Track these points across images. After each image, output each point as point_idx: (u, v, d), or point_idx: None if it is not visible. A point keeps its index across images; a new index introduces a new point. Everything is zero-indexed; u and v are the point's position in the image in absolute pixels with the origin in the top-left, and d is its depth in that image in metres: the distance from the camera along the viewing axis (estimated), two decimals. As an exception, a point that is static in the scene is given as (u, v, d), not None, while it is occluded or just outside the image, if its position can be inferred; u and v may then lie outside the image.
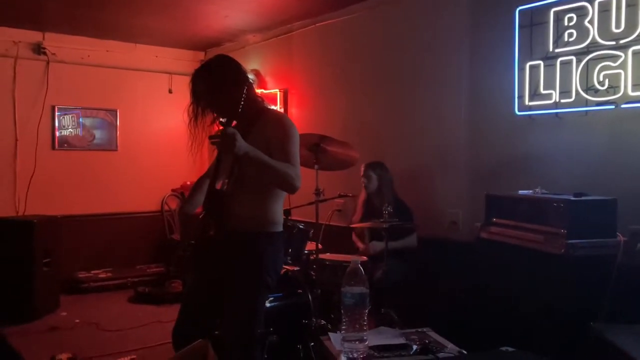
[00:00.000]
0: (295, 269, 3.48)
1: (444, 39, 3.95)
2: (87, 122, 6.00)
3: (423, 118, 4.10)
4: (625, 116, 2.89)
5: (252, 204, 2.35)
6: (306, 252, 3.61)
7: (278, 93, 5.43)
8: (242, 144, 2.12)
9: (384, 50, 4.42)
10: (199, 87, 2.35)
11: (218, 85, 2.31)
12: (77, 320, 4.48)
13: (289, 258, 3.45)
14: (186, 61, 6.45)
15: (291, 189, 2.26)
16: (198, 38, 6.01)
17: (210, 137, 2.24)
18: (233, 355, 2.27)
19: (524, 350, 1.83)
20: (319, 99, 5.11)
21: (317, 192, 3.58)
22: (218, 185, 2.31)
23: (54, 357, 3.49)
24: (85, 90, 5.96)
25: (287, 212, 3.87)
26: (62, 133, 5.85)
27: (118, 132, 6.18)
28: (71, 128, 5.90)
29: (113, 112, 6.14)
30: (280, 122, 2.37)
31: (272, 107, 2.60)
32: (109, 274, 5.73)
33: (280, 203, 2.44)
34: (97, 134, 6.09)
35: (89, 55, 5.92)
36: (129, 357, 3.47)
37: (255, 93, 2.48)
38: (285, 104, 5.41)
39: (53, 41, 5.65)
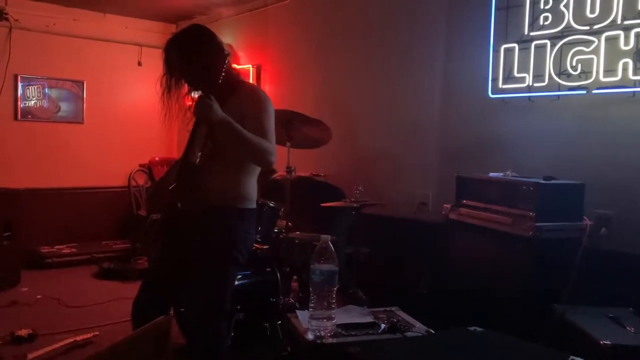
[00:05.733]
0: (265, 247, 3.45)
1: (419, 17, 3.91)
2: (53, 93, 5.80)
3: (396, 97, 4.08)
4: (596, 102, 2.91)
5: (224, 178, 2.28)
6: (276, 230, 3.58)
7: (251, 69, 5.33)
8: (219, 113, 2.08)
9: (359, 28, 4.36)
10: (173, 56, 2.25)
11: (193, 55, 2.22)
12: (39, 296, 4.36)
13: (258, 236, 3.42)
14: (157, 33, 6.26)
15: (266, 163, 2.21)
16: (169, 9, 5.84)
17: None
18: (199, 332, 2.24)
19: (490, 330, 1.84)
20: (293, 76, 5.04)
21: (289, 170, 3.53)
22: (191, 158, 2.26)
23: (13, 332, 3.40)
24: (50, 60, 5.74)
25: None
26: (27, 104, 5.65)
27: (85, 105, 5.99)
28: (36, 99, 5.70)
29: (80, 83, 5.94)
30: (256, 96, 2.30)
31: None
32: (73, 249, 5.59)
33: (253, 179, 2.38)
34: (63, 105, 5.89)
35: (54, 24, 5.69)
36: (91, 334, 3.39)
37: (231, 66, 2.40)
38: (258, 80, 5.32)
39: (16, 6, 5.39)
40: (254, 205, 2.37)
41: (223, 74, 2.20)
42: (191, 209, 2.23)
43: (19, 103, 5.59)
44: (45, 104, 5.77)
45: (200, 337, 2.23)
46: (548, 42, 3.04)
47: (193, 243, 2.26)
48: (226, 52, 2.29)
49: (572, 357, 1.51)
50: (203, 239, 2.25)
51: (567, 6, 2.96)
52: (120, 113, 6.16)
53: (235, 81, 2.35)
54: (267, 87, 5.28)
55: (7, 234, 4.58)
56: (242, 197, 2.31)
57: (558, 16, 3.00)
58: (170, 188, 2.22)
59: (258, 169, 2.38)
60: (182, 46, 2.24)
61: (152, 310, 2.21)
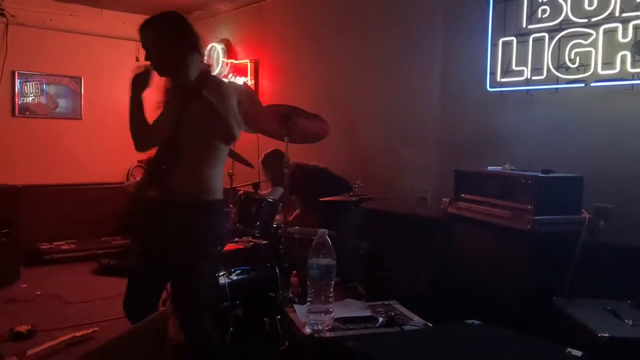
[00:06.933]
0: (264, 242, 3.45)
1: (418, 11, 3.90)
2: (51, 89, 5.80)
3: (395, 92, 4.07)
4: (595, 95, 2.90)
5: (189, 171, 2.32)
6: (275, 225, 3.58)
7: (249, 64, 5.32)
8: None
9: (357, 23, 4.35)
10: (145, 38, 2.33)
11: (162, 40, 2.28)
12: (38, 292, 4.37)
13: (257, 231, 3.42)
14: (154, 29, 6.24)
15: (230, 137, 2.27)
16: (167, 5, 5.74)
17: None
18: (184, 327, 2.27)
19: (488, 323, 1.84)
20: (291, 71, 5.03)
21: (287, 165, 3.52)
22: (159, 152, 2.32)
23: (13, 329, 3.40)
24: (47, 56, 5.74)
25: (255, 186, 3.83)
26: (24, 100, 5.64)
27: (82, 101, 5.99)
28: (33, 95, 5.69)
29: (77, 79, 5.94)
30: (222, 82, 2.36)
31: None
32: (73, 246, 5.60)
33: (218, 171, 2.40)
34: (61, 102, 5.90)
35: (51, 19, 5.69)
36: (90, 330, 3.39)
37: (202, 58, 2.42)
38: (256, 75, 5.31)
39: (13, 2, 5.38)
40: (220, 197, 2.39)
41: (205, 68, 2.27)
42: (159, 203, 2.27)
43: (16, 99, 5.58)
44: (43, 100, 5.76)
45: (187, 333, 2.26)
46: (546, 35, 3.03)
47: (166, 238, 2.30)
48: (199, 44, 2.33)
49: (569, 349, 1.51)
50: (174, 234, 2.29)
51: (565, -1, 2.96)
52: (118, 109, 6.12)
53: (205, 75, 2.35)
54: (264, 82, 5.28)
55: (5, 230, 4.58)
56: (207, 190, 2.34)
57: (556, 9, 2.99)
58: (136, 182, 2.27)
59: (223, 160, 2.41)
60: (153, 30, 2.30)
61: (142, 308, 2.27)
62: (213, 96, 2.23)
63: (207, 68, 2.40)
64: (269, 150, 4.06)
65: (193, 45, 2.30)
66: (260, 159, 4.04)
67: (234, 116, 2.26)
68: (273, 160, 3.96)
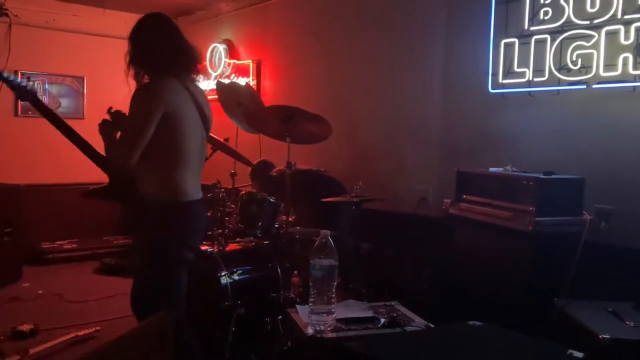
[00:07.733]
0: (265, 242, 3.46)
1: (420, 12, 3.90)
2: (54, 89, 5.81)
3: (396, 92, 4.07)
4: (596, 96, 2.91)
5: (150, 174, 2.33)
6: (276, 225, 3.58)
7: (251, 64, 5.33)
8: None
9: (359, 24, 4.35)
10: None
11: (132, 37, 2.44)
12: (40, 291, 4.39)
13: (258, 231, 3.43)
14: (157, 29, 6.25)
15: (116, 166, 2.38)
16: (169, 5, 5.82)
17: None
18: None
19: (489, 325, 1.84)
20: (293, 71, 5.03)
21: (289, 166, 3.53)
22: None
23: (15, 328, 3.41)
24: (50, 56, 5.76)
25: (257, 185, 3.86)
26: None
27: (85, 100, 6.00)
28: (36, 95, 5.71)
29: (80, 79, 5.96)
30: (135, 93, 2.37)
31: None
32: (74, 245, 5.62)
33: (185, 174, 2.34)
34: (63, 101, 5.91)
35: (54, 19, 5.71)
36: (92, 329, 3.40)
37: (154, 58, 2.43)
38: (258, 75, 5.32)
39: (16, 2, 5.40)
40: (189, 198, 2.35)
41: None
42: (129, 205, 2.35)
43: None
44: (45, 99, 5.77)
45: None
46: (548, 36, 3.03)
47: (137, 237, 2.40)
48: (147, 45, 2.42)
49: (570, 351, 1.51)
50: (141, 234, 2.36)
51: (567, 1, 2.95)
52: (120, 109, 6.14)
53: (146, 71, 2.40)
54: (267, 83, 5.28)
55: (8, 229, 4.60)
56: (172, 192, 2.32)
57: (558, 11, 3.00)
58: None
59: (191, 162, 2.36)
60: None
61: (145, 305, 2.29)
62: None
63: (152, 71, 2.41)
64: (257, 161, 4.11)
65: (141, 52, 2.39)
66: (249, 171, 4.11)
67: (128, 130, 2.31)
68: (260, 171, 4.04)
